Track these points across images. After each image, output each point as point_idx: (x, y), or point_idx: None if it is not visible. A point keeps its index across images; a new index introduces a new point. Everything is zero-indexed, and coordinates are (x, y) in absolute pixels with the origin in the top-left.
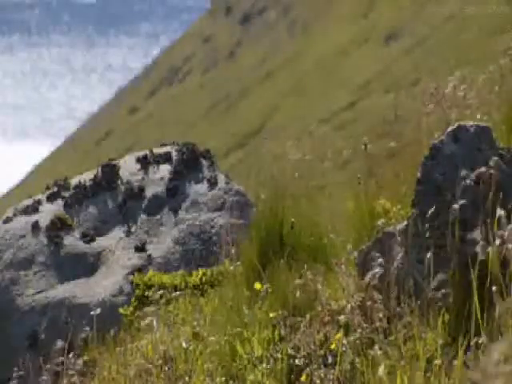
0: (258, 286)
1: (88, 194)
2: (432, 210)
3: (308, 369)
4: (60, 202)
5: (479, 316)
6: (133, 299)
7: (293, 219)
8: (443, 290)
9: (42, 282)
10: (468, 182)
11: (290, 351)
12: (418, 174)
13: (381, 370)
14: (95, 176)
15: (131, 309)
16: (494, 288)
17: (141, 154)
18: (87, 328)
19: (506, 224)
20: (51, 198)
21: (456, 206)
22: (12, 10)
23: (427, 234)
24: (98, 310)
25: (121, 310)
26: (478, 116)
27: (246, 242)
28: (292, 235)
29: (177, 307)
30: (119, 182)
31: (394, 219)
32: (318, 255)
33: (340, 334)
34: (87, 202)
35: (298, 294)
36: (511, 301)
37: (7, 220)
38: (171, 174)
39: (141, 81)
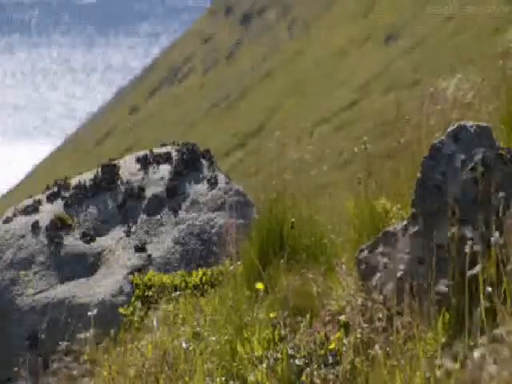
0: (259, 285)
1: (88, 194)
2: (432, 209)
3: (308, 369)
4: (60, 201)
5: (479, 316)
6: (133, 299)
7: (293, 219)
8: (443, 290)
9: (41, 282)
10: (468, 181)
11: (290, 351)
12: (418, 174)
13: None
14: (95, 176)
15: (131, 309)
16: (489, 289)
17: (141, 153)
18: (87, 328)
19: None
20: (51, 198)
21: (456, 206)
22: (12, 10)
23: (427, 234)
24: (95, 311)
25: (121, 310)
26: (478, 116)
27: (245, 242)
28: (292, 235)
29: (177, 307)
30: (119, 182)
31: (393, 219)
32: (318, 255)
33: (340, 334)
34: (87, 202)
35: (298, 294)
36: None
37: (7, 220)
38: (171, 174)
39: (141, 81)
